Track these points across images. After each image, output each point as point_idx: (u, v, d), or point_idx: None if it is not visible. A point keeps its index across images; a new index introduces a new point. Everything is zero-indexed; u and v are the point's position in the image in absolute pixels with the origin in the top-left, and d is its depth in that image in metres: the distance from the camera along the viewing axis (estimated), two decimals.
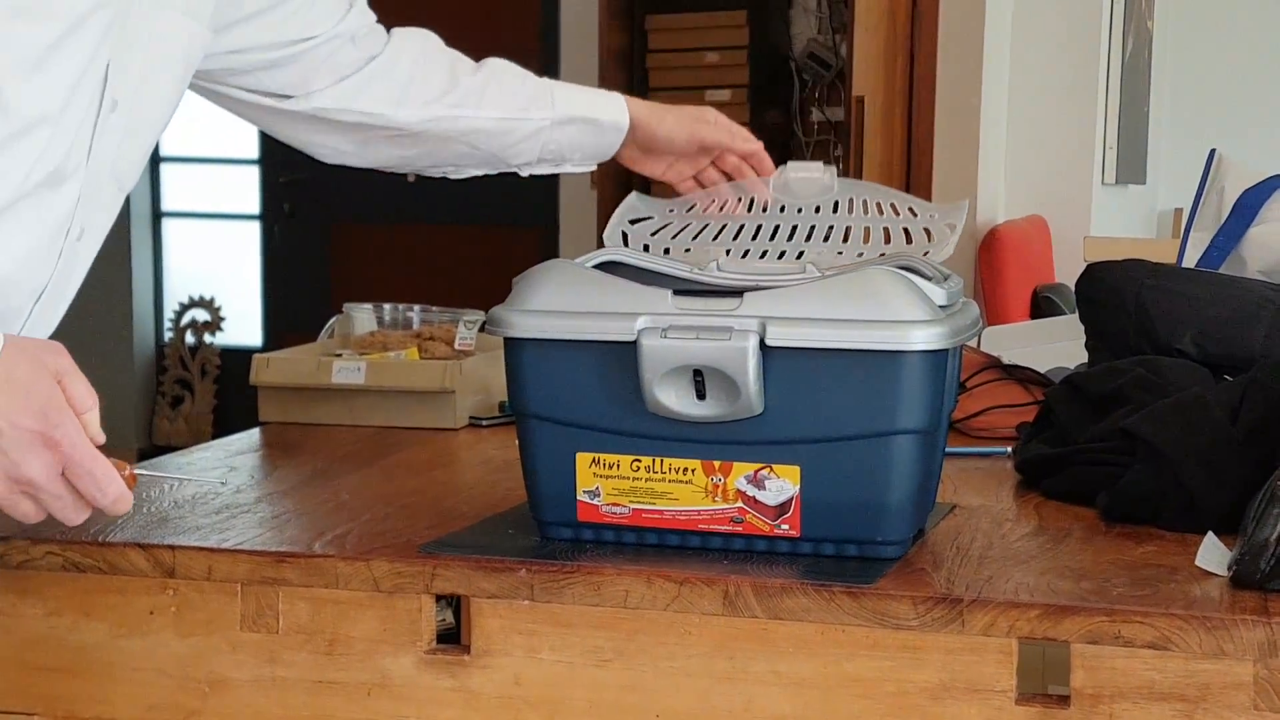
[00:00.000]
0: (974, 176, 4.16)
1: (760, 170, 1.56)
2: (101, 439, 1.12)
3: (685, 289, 1.27)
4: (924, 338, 1.17)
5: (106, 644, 1.28)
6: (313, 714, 1.25)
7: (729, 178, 1.58)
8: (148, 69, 1.26)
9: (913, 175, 4.13)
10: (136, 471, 1.16)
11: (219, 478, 1.53)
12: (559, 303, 1.24)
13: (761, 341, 1.19)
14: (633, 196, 1.51)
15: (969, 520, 1.36)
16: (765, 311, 1.20)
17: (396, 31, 1.59)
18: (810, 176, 1.42)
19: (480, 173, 1.64)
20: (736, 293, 1.22)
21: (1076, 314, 1.77)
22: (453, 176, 1.64)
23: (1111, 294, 1.64)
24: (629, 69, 4.33)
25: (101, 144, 1.23)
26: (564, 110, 1.60)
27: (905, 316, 1.18)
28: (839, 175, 1.49)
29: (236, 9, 1.38)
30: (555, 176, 5.39)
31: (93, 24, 1.18)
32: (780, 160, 1.56)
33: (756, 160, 1.57)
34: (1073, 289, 1.82)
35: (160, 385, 6.10)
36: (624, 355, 1.22)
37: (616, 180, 4.27)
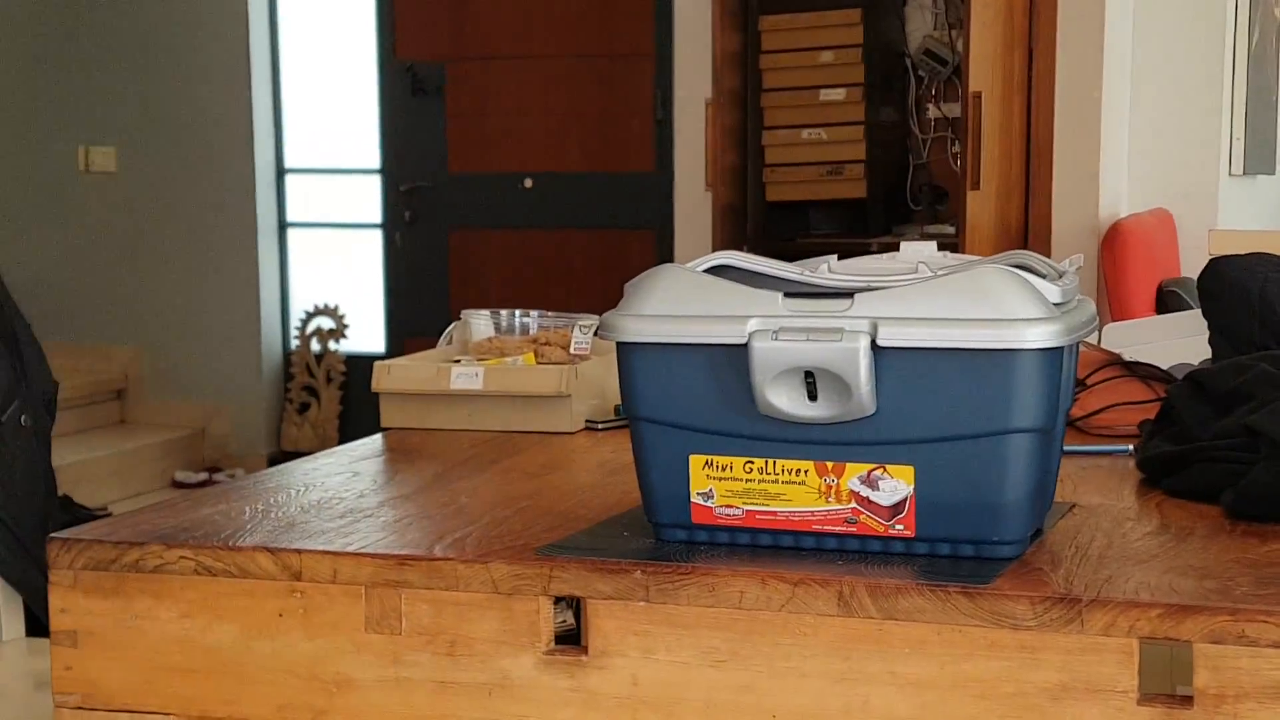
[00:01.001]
0: (1096, 170, 4.09)
1: None
2: None
3: (796, 291, 1.28)
4: (1038, 335, 1.16)
5: (237, 645, 1.31)
6: (436, 714, 1.27)
7: None
8: None
9: (1032, 170, 4.08)
10: None
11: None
12: (670, 307, 1.26)
13: (873, 342, 1.19)
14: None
15: (1088, 519, 1.35)
16: (876, 312, 1.20)
17: None
18: (924, 252, 1.39)
19: None
20: (847, 294, 1.22)
21: (1199, 310, 1.74)
22: None
23: (1235, 289, 1.61)
24: (743, 69, 4.33)
25: None
26: None
27: (1019, 315, 1.17)
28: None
29: None
30: (670, 178, 5.36)
31: None
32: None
33: None
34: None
35: (287, 392, 6.22)
36: (735, 358, 1.23)
37: (732, 183, 4.28)
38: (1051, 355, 1.18)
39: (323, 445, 5.85)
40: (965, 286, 1.20)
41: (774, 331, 1.21)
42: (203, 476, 5.87)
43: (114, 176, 6.23)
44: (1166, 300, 4.05)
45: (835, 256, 1.37)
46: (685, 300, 1.25)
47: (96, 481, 5.46)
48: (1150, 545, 1.26)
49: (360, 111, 6.08)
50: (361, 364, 6.02)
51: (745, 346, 1.22)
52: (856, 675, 1.17)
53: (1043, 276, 1.25)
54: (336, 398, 6.16)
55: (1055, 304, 1.21)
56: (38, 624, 2.37)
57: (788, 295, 1.24)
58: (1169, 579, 1.15)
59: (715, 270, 1.33)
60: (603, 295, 1.87)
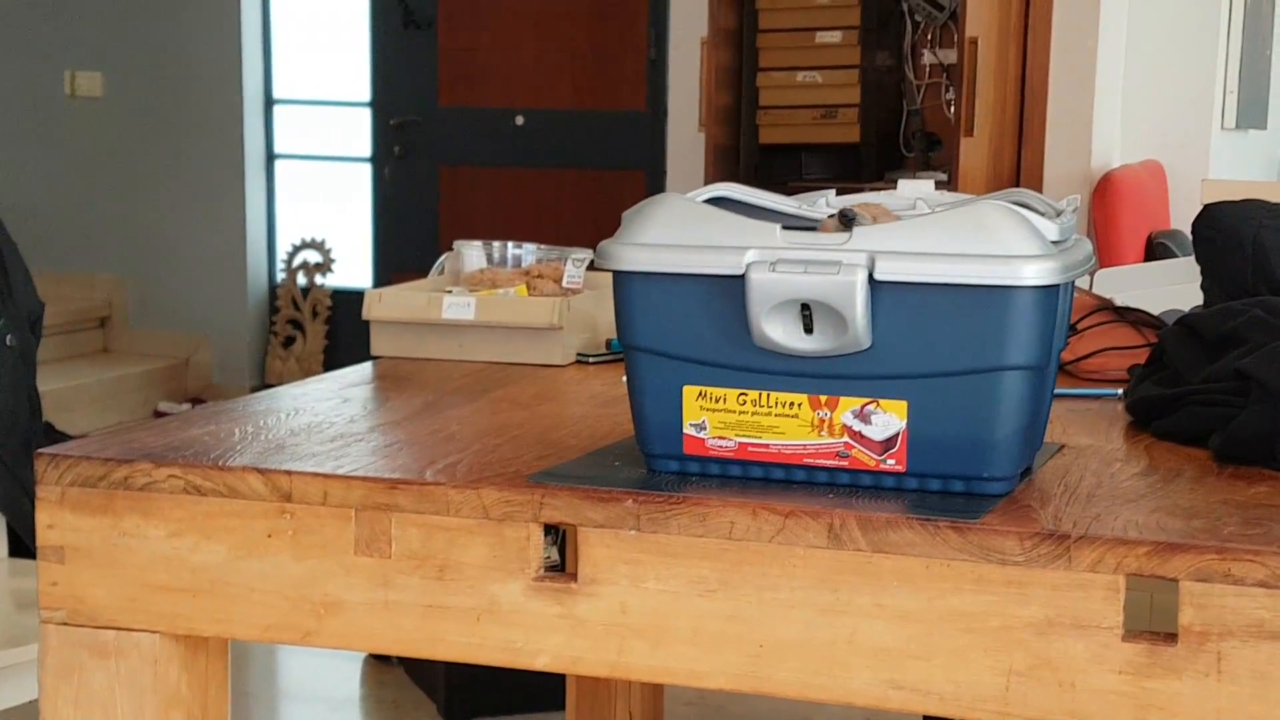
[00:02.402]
0: (1089, 120, 4.08)
1: None
2: None
3: (794, 224, 1.27)
4: (1035, 273, 1.16)
5: (226, 565, 1.32)
6: (423, 637, 1.28)
7: None
8: None
9: (1026, 119, 4.07)
10: None
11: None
12: (668, 236, 1.25)
13: (870, 275, 1.18)
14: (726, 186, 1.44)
15: (1077, 459, 1.35)
16: (874, 245, 1.19)
17: None
18: (922, 189, 1.39)
19: None
20: (845, 227, 1.22)
21: (1191, 258, 1.74)
22: None
23: (1228, 234, 1.61)
24: (739, 9, 4.30)
25: None
26: None
27: (1016, 251, 1.17)
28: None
29: None
30: (664, 119, 5.35)
31: None
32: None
33: None
34: (1189, 235, 1.79)
35: (273, 325, 6.21)
36: (732, 289, 1.22)
37: (725, 124, 4.26)
38: (1048, 293, 1.18)
39: None
40: (963, 222, 1.19)
41: (771, 263, 1.21)
42: (185, 408, 5.87)
43: (100, 102, 6.18)
44: (1156, 251, 4.05)
45: (834, 191, 1.37)
46: (683, 230, 1.25)
47: (78, 409, 5.45)
48: (1139, 485, 1.27)
49: (351, 43, 6.03)
50: (348, 299, 6.01)
51: (742, 278, 1.21)
52: (844, 607, 1.17)
53: (1040, 214, 1.25)
54: (322, 332, 6.15)
55: (1053, 241, 1.21)
56: (21, 544, 2.38)
57: (786, 227, 1.23)
58: (1157, 518, 1.16)
59: (714, 202, 1.33)
60: (592, 235, 1.86)
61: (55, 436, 3.47)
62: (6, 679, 2.14)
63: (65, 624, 1.36)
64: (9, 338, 2.33)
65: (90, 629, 1.35)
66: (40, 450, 1.36)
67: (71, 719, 1.36)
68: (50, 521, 1.35)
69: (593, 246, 1.34)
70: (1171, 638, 1.11)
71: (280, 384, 5.75)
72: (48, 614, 1.36)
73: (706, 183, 4.21)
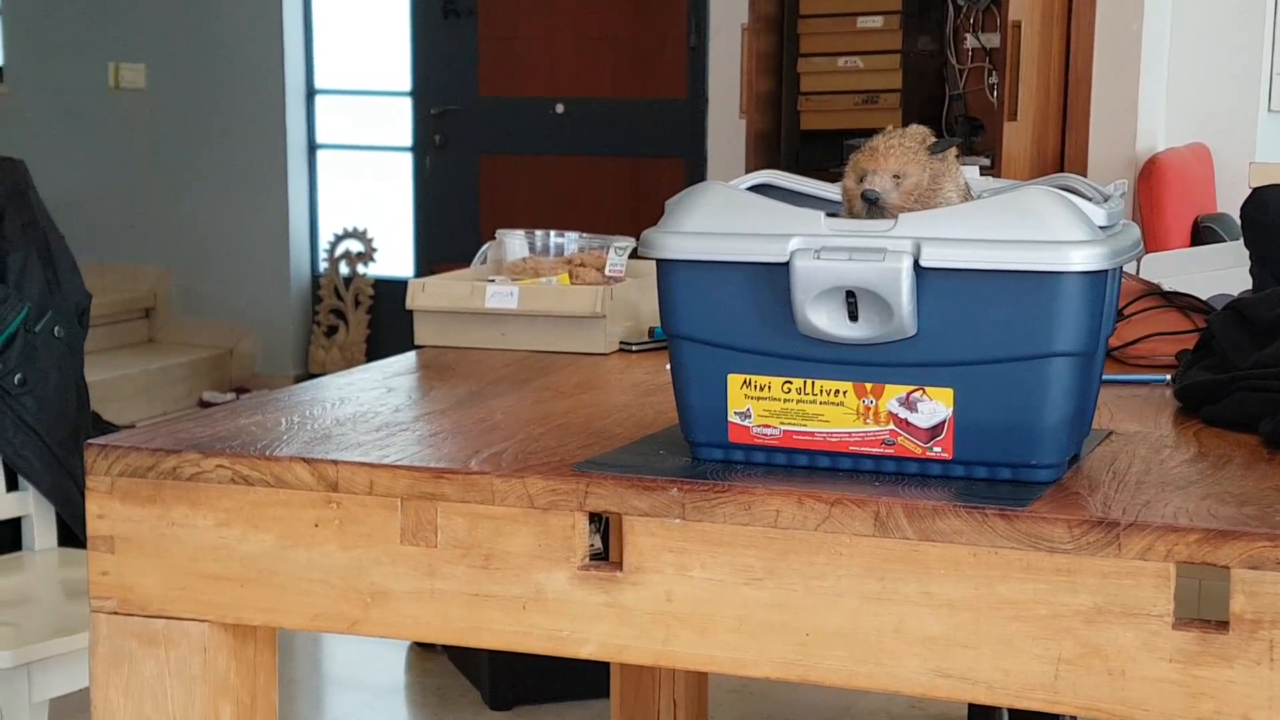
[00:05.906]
0: (1134, 103, 4.04)
1: None
2: None
3: (839, 211, 1.27)
4: (1083, 258, 1.15)
5: (273, 554, 1.32)
6: (470, 625, 1.28)
7: None
8: None
9: (1070, 103, 4.03)
10: None
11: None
12: (712, 224, 1.25)
13: (916, 262, 1.18)
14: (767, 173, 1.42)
15: (1126, 446, 1.34)
16: (920, 233, 1.19)
17: None
18: (967, 175, 1.37)
19: None
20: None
21: (1239, 242, 1.72)
22: None
23: (1277, 217, 1.59)
24: None
25: None
26: None
27: (1064, 237, 1.16)
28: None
29: None
30: (704, 106, 5.34)
31: None
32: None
33: None
34: (1236, 218, 1.78)
35: (315, 315, 6.24)
36: (777, 277, 1.22)
37: (766, 110, 4.24)
38: (1096, 278, 1.17)
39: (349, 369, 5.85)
40: (1010, 208, 1.18)
41: (816, 250, 1.20)
42: (230, 397, 5.90)
43: (144, 93, 6.22)
44: (1203, 235, 4.01)
45: None
46: (727, 218, 1.25)
47: (124, 400, 5.50)
48: (1188, 472, 1.25)
49: (391, 33, 6.05)
50: (390, 288, 6.03)
51: (787, 265, 1.21)
52: (891, 596, 1.17)
53: (1088, 199, 1.24)
54: (364, 321, 6.17)
55: (1101, 227, 1.20)
56: (70, 534, 2.40)
57: (830, 214, 1.23)
58: (1207, 505, 1.15)
59: (757, 189, 1.32)
60: (632, 223, 1.86)
61: (102, 427, 3.50)
62: (58, 668, 2.16)
63: (116, 613, 1.37)
64: (56, 329, 2.35)
65: (140, 618, 1.37)
66: (90, 441, 1.37)
67: (122, 707, 1.38)
68: (100, 511, 1.36)
69: (633, 234, 1.33)
70: (1223, 625, 1.10)
71: (323, 373, 5.77)
72: (98, 603, 1.38)
73: (748, 170, 4.20)
